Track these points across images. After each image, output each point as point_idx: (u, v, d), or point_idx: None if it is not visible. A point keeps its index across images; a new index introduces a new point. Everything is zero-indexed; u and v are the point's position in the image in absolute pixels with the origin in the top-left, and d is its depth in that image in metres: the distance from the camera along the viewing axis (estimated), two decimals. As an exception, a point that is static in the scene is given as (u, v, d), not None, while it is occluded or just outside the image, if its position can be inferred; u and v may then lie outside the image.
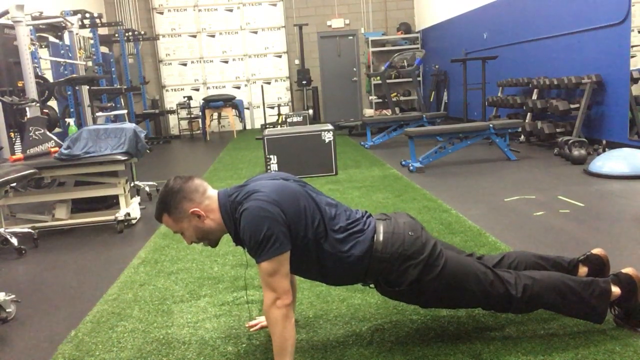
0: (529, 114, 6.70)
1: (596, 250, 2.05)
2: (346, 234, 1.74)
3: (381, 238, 1.75)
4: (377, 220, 1.83)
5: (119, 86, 8.95)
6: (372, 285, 1.89)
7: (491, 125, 5.57)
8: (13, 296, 2.43)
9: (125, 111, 8.04)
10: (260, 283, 1.71)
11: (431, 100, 10.76)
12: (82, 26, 7.83)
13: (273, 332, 1.65)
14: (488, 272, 1.81)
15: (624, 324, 1.88)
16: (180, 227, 1.77)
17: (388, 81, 9.54)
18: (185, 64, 11.68)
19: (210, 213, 1.74)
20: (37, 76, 5.39)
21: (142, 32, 10.74)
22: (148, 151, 4.56)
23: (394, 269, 1.73)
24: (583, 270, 2.03)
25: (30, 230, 3.64)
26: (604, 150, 5.20)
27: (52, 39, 6.91)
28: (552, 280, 1.84)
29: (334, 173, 5.41)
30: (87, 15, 7.90)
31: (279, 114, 10.50)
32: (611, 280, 1.87)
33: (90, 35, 8.44)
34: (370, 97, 11.76)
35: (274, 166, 5.34)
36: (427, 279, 1.74)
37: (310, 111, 10.18)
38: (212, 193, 1.78)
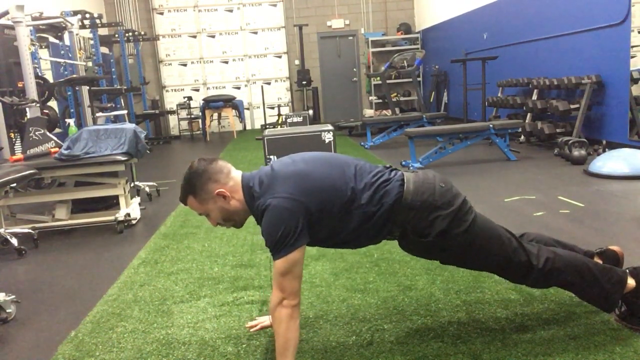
0: (529, 114, 6.71)
1: (614, 247, 2.06)
2: (373, 189, 1.71)
3: (411, 187, 1.72)
4: (405, 172, 1.82)
5: (119, 87, 8.95)
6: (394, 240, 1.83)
7: (491, 126, 5.58)
8: (13, 297, 2.43)
9: (125, 112, 8.04)
10: (272, 282, 1.71)
11: (431, 100, 10.76)
12: (82, 27, 7.84)
13: (277, 331, 1.65)
14: (512, 239, 1.81)
15: (625, 323, 1.88)
16: (205, 208, 1.77)
17: (388, 81, 9.54)
18: (185, 65, 11.68)
19: (235, 194, 1.74)
20: (37, 76, 5.39)
21: (142, 33, 10.74)
22: (148, 152, 4.56)
23: (423, 217, 1.71)
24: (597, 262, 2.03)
25: (30, 230, 3.64)
26: (604, 151, 5.20)
27: (52, 39, 6.91)
28: (573, 259, 1.84)
29: (334, 173, 5.40)
30: (87, 15, 7.90)
31: (279, 115, 10.50)
32: (629, 272, 1.88)
33: (90, 35, 8.44)
34: (371, 98, 11.76)
35: (274, 166, 5.33)
36: (455, 232, 1.71)
37: (310, 111, 10.16)
38: (236, 174, 1.78)
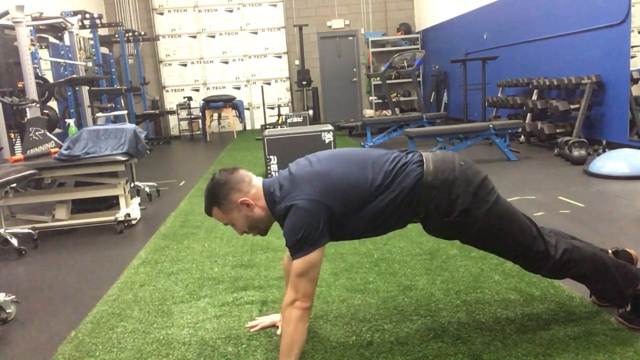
0: (529, 114, 6.70)
1: (630, 250, 2.07)
2: (392, 176, 1.72)
3: (431, 166, 1.73)
4: (424, 152, 1.82)
5: (119, 87, 8.95)
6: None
7: (491, 126, 5.58)
8: (13, 297, 2.43)
9: (125, 112, 8.04)
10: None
11: (431, 100, 10.76)
12: (82, 27, 7.84)
13: (284, 330, 1.66)
14: (533, 227, 1.82)
15: (626, 323, 1.88)
16: (230, 218, 1.79)
17: (388, 82, 9.54)
18: (185, 65, 11.68)
19: (258, 201, 1.77)
20: (37, 77, 5.39)
21: (142, 33, 10.74)
22: (148, 152, 4.55)
23: (445, 196, 1.71)
24: None
25: (30, 230, 3.63)
26: (604, 151, 5.20)
27: (52, 39, 6.91)
28: (590, 252, 1.86)
29: (334, 173, 5.40)
30: (87, 15, 7.90)
31: (279, 115, 10.50)
32: None
33: (91, 35, 8.45)
34: (370, 98, 11.76)
35: (274, 167, 5.34)
36: (477, 212, 1.72)
37: (310, 112, 10.17)
38: (257, 181, 1.81)
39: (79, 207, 4.22)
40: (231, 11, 11.61)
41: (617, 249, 2.06)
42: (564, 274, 1.88)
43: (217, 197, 1.76)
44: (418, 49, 11.07)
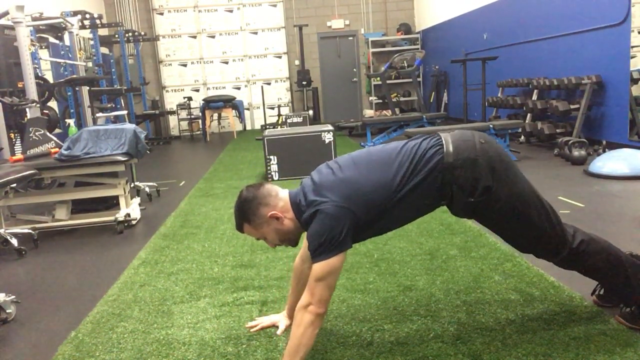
0: (529, 114, 6.70)
1: None
2: (412, 167, 1.73)
3: (451, 148, 1.73)
4: (442, 133, 1.81)
5: (119, 87, 8.95)
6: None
7: (491, 126, 5.58)
8: (13, 297, 2.43)
9: (125, 112, 8.04)
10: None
11: (431, 100, 10.76)
12: (82, 27, 7.85)
13: (293, 332, 1.66)
14: (553, 214, 1.82)
15: (626, 323, 1.88)
16: (261, 232, 1.81)
17: (388, 82, 9.52)
18: (185, 65, 11.68)
19: (286, 213, 1.79)
20: (37, 77, 5.39)
21: (142, 33, 10.74)
22: (148, 152, 4.55)
23: (467, 175, 1.71)
24: None
25: (30, 231, 3.63)
26: (604, 151, 5.20)
27: (52, 39, 6.91)
28: (605, 246, 1.87)
29: (334, 173, 5.39)
30: (87, 16, 7.91)
31: (279, 115, 10.50)
32: None
33: (90, 36, 8.45)
34: (370, 98, 11.76)
35: (274, 167, 5.34)
36: (499, 190, 1.71)
37: (310, 112, 10.17)
38: (284, 194, 1.82)
39: (79, 207, 4.22)
40: (231, 11, 11.61)
41: (632, 253, 2.05)
42: (577, 265, 1.88)
43: (247, 214, 1.78)
44: (418, 49, 11.06)
